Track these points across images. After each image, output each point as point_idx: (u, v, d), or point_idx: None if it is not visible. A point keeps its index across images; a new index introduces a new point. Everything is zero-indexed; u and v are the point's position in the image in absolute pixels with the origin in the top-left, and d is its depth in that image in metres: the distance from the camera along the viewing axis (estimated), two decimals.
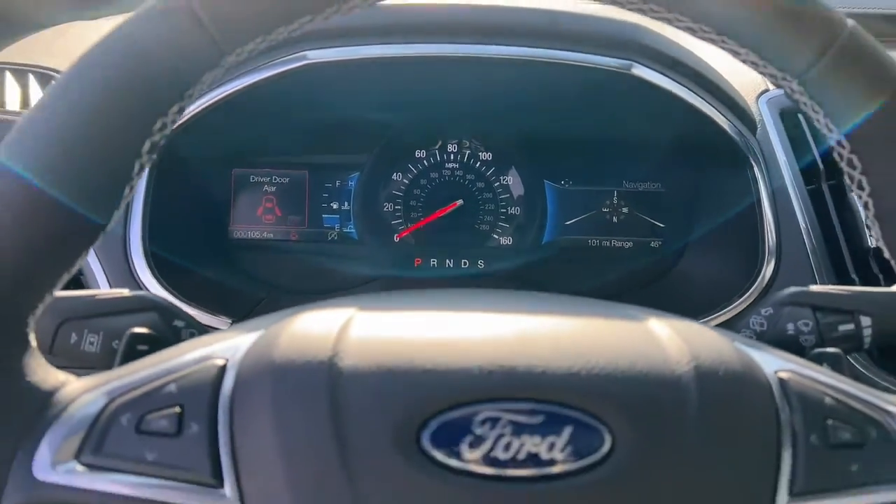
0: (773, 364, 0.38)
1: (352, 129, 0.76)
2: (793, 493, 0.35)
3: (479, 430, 0.33)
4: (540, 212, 0.77)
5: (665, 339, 0.37)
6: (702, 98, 0.65)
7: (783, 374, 0.38)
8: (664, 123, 0.70)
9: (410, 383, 0.34)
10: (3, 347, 0.34)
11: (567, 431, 0.34)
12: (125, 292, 0.48)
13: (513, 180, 0.77)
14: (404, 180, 0.77)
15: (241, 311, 0.67)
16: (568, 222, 0.78)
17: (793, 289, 0.51)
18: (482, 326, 0.37)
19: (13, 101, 0.67)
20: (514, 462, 0.33)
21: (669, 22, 0.38)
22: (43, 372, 0.36)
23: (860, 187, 0.38)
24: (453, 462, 0.33)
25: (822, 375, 0.38)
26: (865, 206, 0.38)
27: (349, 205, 0.77)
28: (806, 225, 0.66)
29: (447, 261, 0.76)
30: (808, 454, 0.35)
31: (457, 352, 0.35)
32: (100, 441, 0.34)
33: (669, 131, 0.74)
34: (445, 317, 0.38)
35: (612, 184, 0.78)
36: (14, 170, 0.34)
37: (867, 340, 0.48)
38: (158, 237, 0.63)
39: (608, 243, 0.78)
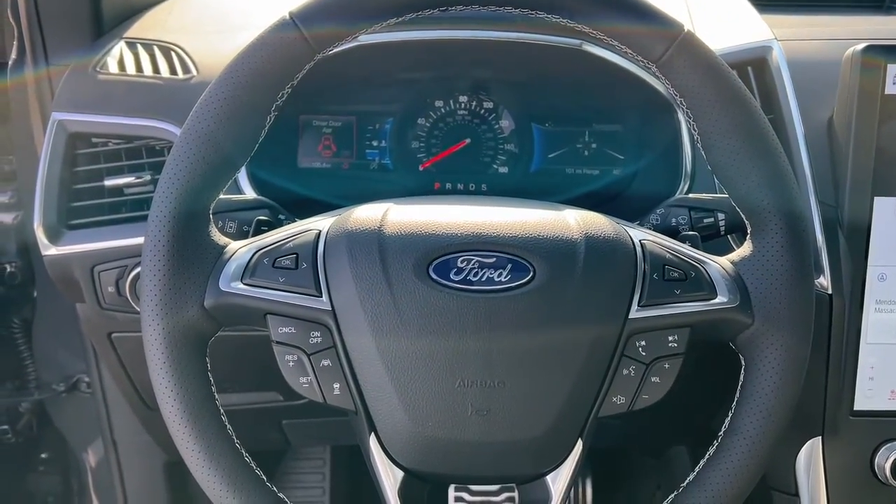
0: (640, 236, 0.65)
1: (388, 85, 1.01)
2: (640, 305, 0.61)
3: (460, 265, 0.61)
4: (528, 147, 1.02)
5: (570, 219, 0.64)
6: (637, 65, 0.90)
7: (644, 241, 0.64)
8: (615, 83, 0.94)
9: (423, 239, 0.61)
10: (198, 221, 0.62)
11: (509, 267, 0.61)
12: (250, 196, 0.76)
13: (507, 123, 1.02)
14: (426, 124, 1.02)
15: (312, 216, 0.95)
16: (550, 155, 1.03)
17: (677, 196, 0.77)
18: (466, 211, 0.64)
19: (147, 69, 0.93)
20: (479, 282, 0.60)
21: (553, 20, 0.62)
22: (218, 235, 0.63)
23: (692, 128, 0.63)
24: (446, 282, 0.60)
25: (669, 242, 0.65)
26: (697, 140, 0.63)
27: (386, 143, 1.03)
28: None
29: (459, 184, 1.02)
30: (651, 284, 0.62)
31: (450, 223, 0.62)
32: (252, 272, 0.62)
33: (622, 89, 0.98)
34: (445, 206, 0.65)
35: (584, 126, 1.02)
36: (194, 127, 0.61)
37: (722, 229, 0.74)
38: (253, 165, 0.91)
39: (581, 171, 1.03)
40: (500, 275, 0.60)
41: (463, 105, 1.02)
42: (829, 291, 0.80)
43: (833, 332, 0.81)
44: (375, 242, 0.62)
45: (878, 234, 0.80)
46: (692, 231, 0.73)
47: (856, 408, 0.83)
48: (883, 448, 0.83)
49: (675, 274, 0.62)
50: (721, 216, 0.73)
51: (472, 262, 0.61)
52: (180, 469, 1.07)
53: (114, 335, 0.95)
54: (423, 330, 0.59)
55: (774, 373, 0.60)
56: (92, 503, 1.32)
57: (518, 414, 0.59)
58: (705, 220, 0.73)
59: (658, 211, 0.76)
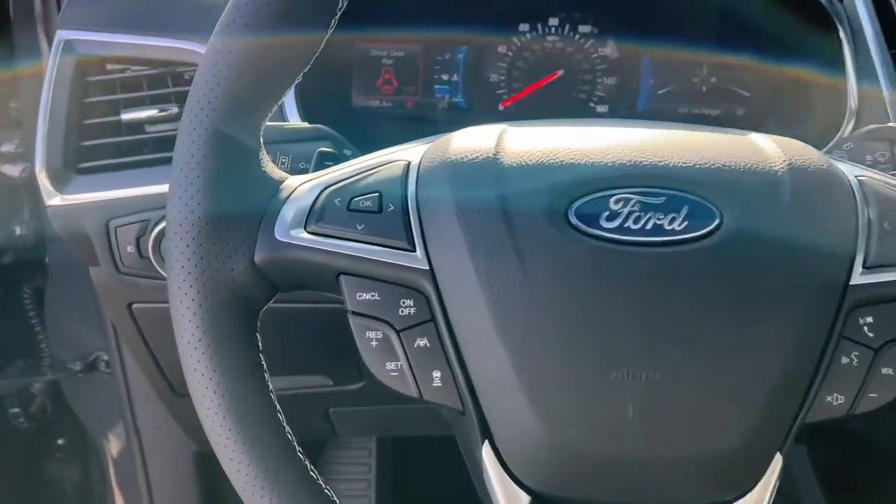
0: (854, 171, 0.46)
1: (462, 5, 0.83)
2: (866, 266, 0.43)
3: (615, 206, 0.43)
4: (635, 82, 0.84)
5: (765, 145, 0.46)
6: None
7: (862, 177, 0.46)
8: None
9: (560, 174, 0.44)
10: (245, 146, 0.45)
11: (685, 210, 0.43)
12: (306, 125, 0.58)
13: (610, 52, 0.84)
14: (508, 52, 0.84)
15: None
16: (660, 91, 0.85)
17: (872, 126, 0.58)
18: (614, 134, 0.46)
19: None
20: (642, 230, 0.42)
21: None
22: (271, 168, 0.46)
23: None
24: (595, 231, 0.42)
25: (894, 179, 0.46)
26: None
27: (458, 76, 0.85)
28: (887, 88, 0.72)
29: None
30: (881, 237, 0.44)
31: (596, 149, 0.44)
32: (320, 216, 0.45)
33: (758, 3, 0.79)
34: (584, 129, 0.47)
35: (703, 54, 0.84)
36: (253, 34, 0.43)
37: None
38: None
39: (697, 111, 0.85)
40: (671, 221, 0.43)
41: (554, 29, 0.84)
42: None
43: None
44: (491, 176, 0.44)
45: None
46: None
47: None
48: None
49: None
50: None
51: (632, 202, 0.43)
52: (212, 461, 0.92)
53: (135, 306, 0.79)
54: (562, 299, 0.42)
55: None
56: (114, 495, 1.18)
57: (695, 419, 0.42)
58: None
59: (845, 146, 0.57)
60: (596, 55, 0.84)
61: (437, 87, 0.85)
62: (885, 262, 0.43)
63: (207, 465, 1.09)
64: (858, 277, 0.43)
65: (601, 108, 0.85)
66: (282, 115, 0.71)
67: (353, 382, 0.93)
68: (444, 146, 0.46)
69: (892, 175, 0.52)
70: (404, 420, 1.02)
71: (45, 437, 1.20)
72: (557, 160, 0.44)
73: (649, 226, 0.42)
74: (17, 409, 1.12)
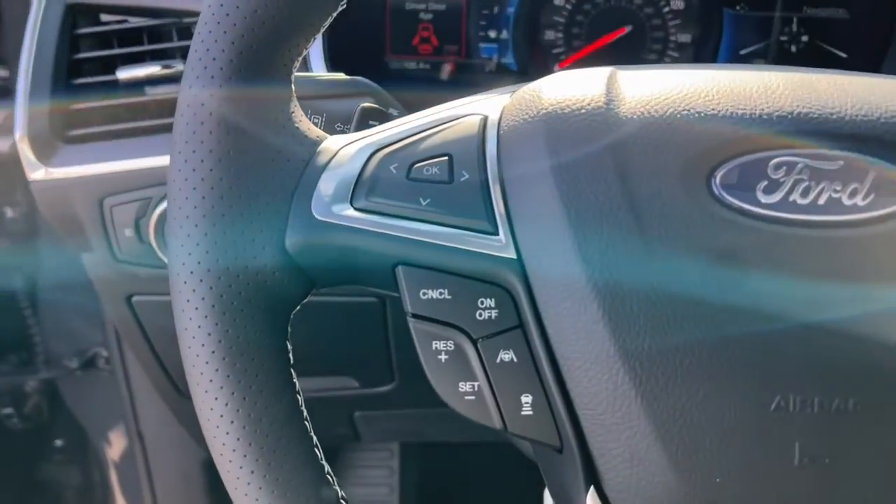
0: None
1: None
2: None
3: (774, 174, 0.31)
4: (713, 39, 0.73)
5: None
6: None
7: None
8: None
9: (699, 128, 0.32)
10: (272, 94, 0.34)
11: (870, 178, 0.31)
12: (343, 76, 0.47)
13: (685, 5, 0.72)
14: (567, 5, 0.73)
15: None
16: (743, 51, 0.73)
17: None
18: (761, 79, 0.34)
19: None
20: (812, 206, 0.31)
21: None
22: (306, 124, 0.35)
23: None
24: (748, 206, 0.31)
25: None
26: None
27: (508, 33, 0.74)
28: None
29: None
30: None
31: (744, 97, 0.33)
32: (371, 187, 0.33)
33: None
34: (714, 73, 0.35)
35: (792, 9, 0.72)
36: None
37: None
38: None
39: None
40: (853, 193, 0.31)
41: None
42: None
43: None
44: (603, 133, 0.33)
45: None
46: None
47: None
48: None
49: None
50: None
51: (798, 168, 0.31)
52: None
53: (135, 299, 0.69)
54: (703, 300, 0.31)
55: None
56: (116, 502, 1.08)
57: (889, 462, 0.31)
58: None
59: None
60: (667, 8, 0.72)
61: (483, 45, 0.74)
62: None
63: (217, 474, 0.99)
64: None
65: None
66: (307, 67, 0.60)
67: (383, 384, 0.83)
68: (531, 96, 0.35)
69: None
70: (441, 425, 0.91)
71: (41, 439, 1.10)
72: (693, 110, 0.33)
73: (822, 200, 0.31)
74: (9, 410, 1.03)
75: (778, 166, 0.32)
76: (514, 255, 0.32)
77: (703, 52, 0.73)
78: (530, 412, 0.32)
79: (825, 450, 0.30)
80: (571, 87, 0.34)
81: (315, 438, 0.34)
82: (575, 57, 0.73)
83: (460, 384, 0.33)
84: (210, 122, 0.32)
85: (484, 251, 0.33)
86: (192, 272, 0.32)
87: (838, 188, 0.31)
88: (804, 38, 0.73)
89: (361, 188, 0.33)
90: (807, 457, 0.30)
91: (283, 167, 0.33)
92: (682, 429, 0.31)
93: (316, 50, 0.62)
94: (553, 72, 0.74)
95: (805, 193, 0.31)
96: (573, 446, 0.32)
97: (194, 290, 0.32)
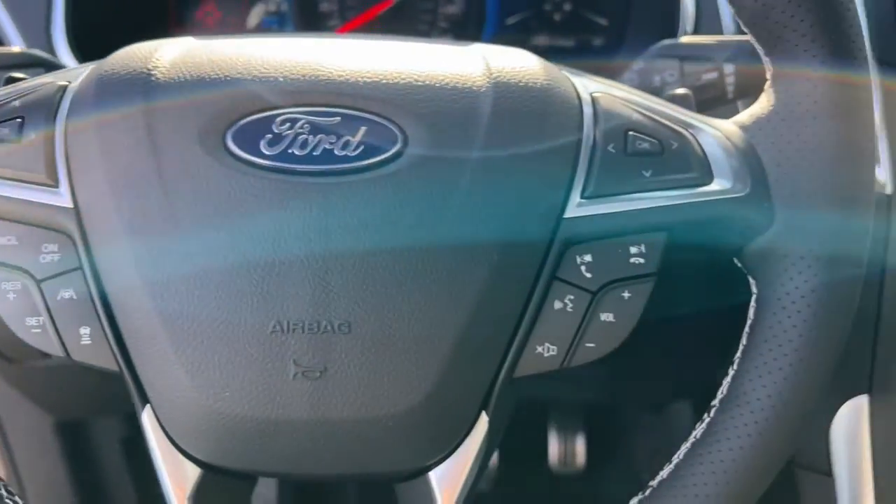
0: (592, 87, 0.40)
1: None
2: (585, 196, 0.37)
3: (278, 130, 0.36)
4: (479, 9, 0.77)
5: (475, 60, 0.39)
6: None
7: (598, 94, 0.39)
8: None
9: (217, 90, 0.37)
10: None
11: (361, 131, 0.36)
12: (15, 49, 0.51)
13: None
14: None
15: None
16: (509, 20, 0.78)
17: (664, 41, 0.51)
18: (292, 46, 0.39)
19: None
20: (309, 157, 0.36)
21: None
22: None
23: None
24: (254, 158, 0.36)
25: (638, 97, 0.40)
26: None
27: (286, 5, 0.77)
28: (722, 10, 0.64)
29: None
30: (604, 161, 0.37)
31: (262, 63, 0.38)
32: None
33: None
34: (266, 41, 0.40)
35: None
36: None
37: (730, 89, 0.48)
38: (85, 18, 0.66)
39: (550, 42, 0.78)
40: (345, 145, 0.36)
41: None
42: (888, 190, 0.55)
43: (891, 248, 0.56)
44: (139, 96, 0.37)
45: None
46: (685, 90, 0.47)
47: None
48: None
49: (645, 145, 0.37)
50: (729, 69, 0.48)
51: (300, 124, 0.36)
52: (76, 429, 0.86)
53: None
54: (216, 241, 0.35)
55: (806, 308, 0.36)
56: None
57: (375, 375, 0.36)
58: (705, 77, 0.48)
59: (636, 66, 0.50)
60: None
61: (264, 18, 0.78)
62: (607, 191, 0.37)
63: (70, 435, 1.02)
64: (575, 209, 0.37)
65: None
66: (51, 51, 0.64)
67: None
68: (101, 65, 0.39)
69: (669, 96, 0.46)
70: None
71: None
72: (219, 74, 0.37)
73: (318, 151, 0.36)
74: None
75: (283, 122, 0.36)
76: (72, 206, 0.37)
77: (470, 23, 0.77)
78: (89, 342, 0.37)
79: (317, 365, 0.35)
80: (126, 58, 0.39)
81: None
82: (348, 26, 0.77)
83: (27, 319, 0.37)
84: None
85: (46, 202, 0.37)
86: None
87: (333, 140, 0.36)
88: (566, 7, 0.77)
89: None
90: (301, 372, 0.35)
91: None
92: (198, 350, 0.36)
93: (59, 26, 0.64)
94: None
95: (303, 146, 0.36)
96: (126, 371, 0.37)
97: None
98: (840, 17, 0.36)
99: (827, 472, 0.63)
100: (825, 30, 0.36)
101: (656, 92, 0.49)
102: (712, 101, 0.48)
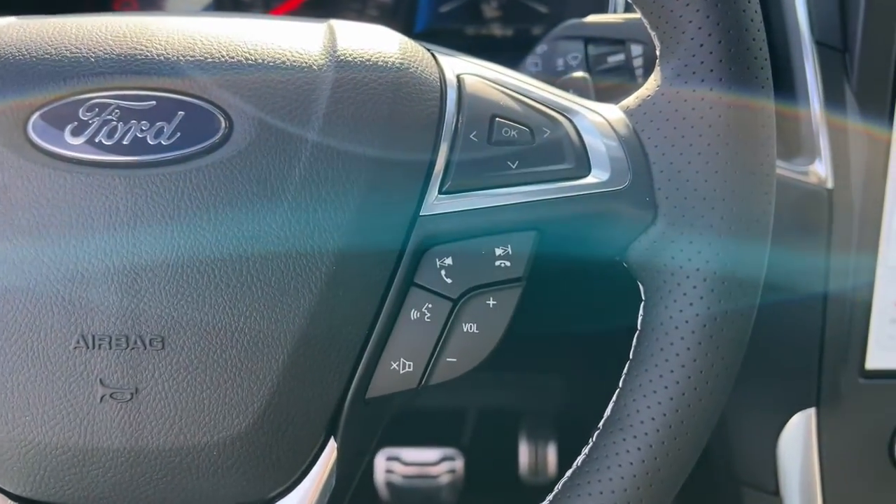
0: (460, 68, 0.35)
1: None
2: (443, 191, 0.32)
3: (84, 116, 0.32)
4: None
5: (320, 36, 0.34)
6: None
7: (466, 76, 0.35)
8: None
9: (21, 73, 0.32)
10: None
11: (179, 117, 0.32)
12: None
13: None
14: None
15: None
16: (442, 9, 0.73)
17: (569, 21, 0.46)
18: (118, 25, 0.34)
19: None
20: (118, 147, 0.31)
21: None
22: None
23: None
24: (57, 149, 0.31)
25: (515, 80, 0.35)
26: None
27: None
28: None
29: None
30: (465, 151, 0.33)
31: (76, 42, 0.33)
32: None
33: None
34: (85, 19, 0.35)
35: None
36: None
37: (638, 71, 0.44)
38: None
39: (486, 31, 0.73)
40: (159, 132, 0.31)
41: None
42: (830, 185, 0.51)
43: (834, 249, 0.51)
44: None
45: None
46: (583, 74, 0.42)
47: (868, 366, 0.54)
48: None
49: (513, 133, 0.33)
50: (637, 50, 0.43)
51: (109, 109, 0.32)
52: None
53: None
54: (10, 241, 0.31)
55: (690, 336, 0.31)
56: None
57: (194, 396, 0.31)
58: (611, 59, 0.43)
59: (538, 50, 0.45)
60: None
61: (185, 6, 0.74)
62: (468, 185, 0.32)
63: None
64: (433, 205, 0.32)
65: None
66: None
67: None
68: None
69: (565, 81, 0.41)
70: None
71: None
72: (25, 56, 0.33)
73: (127, 140, 0.31)
74: None
75: (91, 108, 0.32)
76: None
77: (400, 11, 0.73)
78: None
79: (127, 385, 0.31)
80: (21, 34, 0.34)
81: None
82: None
83: None
84: None
85: None
86: None
87: (145, 128, 0.31)
88: None
89: None
90: (109, 394, 0.31)
91: None
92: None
93: None
94: None
95: (111, 134, 0.31)
96: None
97: None
98: None
99: (774, 492, 0.58)
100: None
101: (560, 76, 0.44)
102: (617, 88, 0.43)
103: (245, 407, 0.31)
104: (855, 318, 0.53)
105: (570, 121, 0.33)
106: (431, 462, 0.95)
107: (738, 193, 0.31)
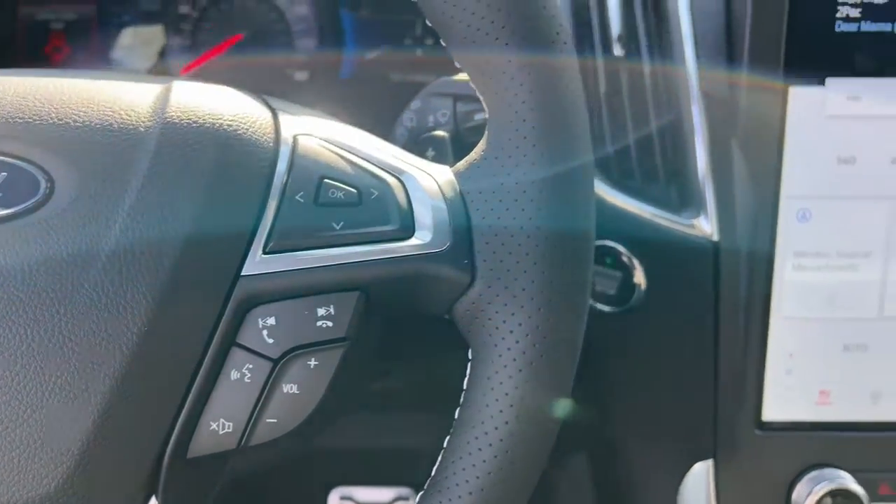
0: (298, 128, 0.36)
1: None
2: (268, 250, 0.33)
3: None
4: (335, 44, 0.73)
5: (153, 96, 0.35)
6: None
7: (302, 136, 0.35)
8: None
9: None
10: None
11: (1, 178, 0.32)
12: None
13: (303, 10, 0.73)
14: (192, 13, 0.74)
15: None
16: (368, 55, 0.74)
17: (441, 79, 0.47)
18: None
19: None
20: None
21: None
22: None
23: None
24: None
25: (351, 140, 0.36)
26: None
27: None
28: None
29: None
30: (291, 211, 0.33)
31: None
32: None
33: None
34: None
35: (416, 13, 0.73)
36: None
37: None
38: None
39: (412, 78, 0.74)
40: None
41: None
42: (715, 237, 0.51)
43: (723, 302, 0.51)
44: None
45: (794, 144, 0.50)
46: (460, 136, 0.43)
47: (765, 417, 0.54)
48: (805, 478, 0.54)
49: (340, 194, 0.33)
50: None
51: None
52: None
53: None
54: None
55: (507, 382, 0.32)
56: None
57: (6, 455, 0.31)
58: (476, 117, 0.44)
59: (413, 106, 0.46)
60: (289, 13, 0.73)
61: (113, 54, 0.75)
62: (292, 245, 0.33)
63: None
64: (256, 264, 0.33)
65: (300, 76, 0.74)
66: None
67: None
68: None
69: (426, 138, 0.42)
70: None
71: None
72: None
73: None
74: None
75: None
76: None
77: (327, 59, 0.74)
78: None
79: None
80: None
81: None
82: (192, 65, 0.74)
83: None
84: None
85: None
86: None
87: None
88: (428, 42, 0.74)
89: None
90: None
91: None
92: None
93: None
94: (178, 77, 0.75)
95: None
96: None
97: None
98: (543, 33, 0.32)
99: None
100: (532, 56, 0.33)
101: (430, 132, 0.45)
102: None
103: (53, 468, 0.31)
104: (749, 370, 0.53)
105: (401, 182, 0.34)
106: (385, 502, 0.94)
107: (549, 258, 0.32)
